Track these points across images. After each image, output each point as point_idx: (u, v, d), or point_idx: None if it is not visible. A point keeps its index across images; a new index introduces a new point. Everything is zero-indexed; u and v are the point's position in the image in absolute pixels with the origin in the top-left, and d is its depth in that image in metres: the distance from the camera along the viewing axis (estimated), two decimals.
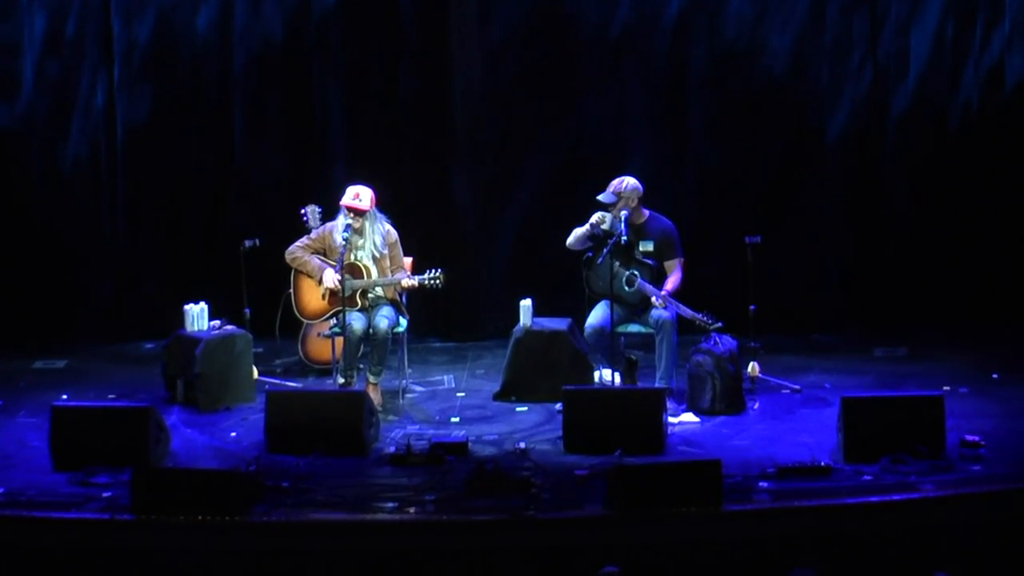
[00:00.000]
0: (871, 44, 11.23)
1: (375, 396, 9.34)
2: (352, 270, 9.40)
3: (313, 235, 9.68)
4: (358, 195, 9.45)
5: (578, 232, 9.36)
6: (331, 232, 9.56)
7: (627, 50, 11.33)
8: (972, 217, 11.22)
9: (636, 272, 9.30)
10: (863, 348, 10.73)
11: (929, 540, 7.27)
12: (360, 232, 9.44)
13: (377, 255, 9.50)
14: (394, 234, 9.62)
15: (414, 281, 9.35)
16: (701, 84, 11.36)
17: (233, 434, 8.94)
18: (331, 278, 9.40)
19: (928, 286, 11.29)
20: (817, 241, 11.42)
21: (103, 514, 7.39)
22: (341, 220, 9.49)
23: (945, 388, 9.23)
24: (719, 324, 9.05)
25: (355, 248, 9.45)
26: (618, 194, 9.32)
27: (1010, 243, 11.16)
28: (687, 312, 9.09)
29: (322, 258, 9.54)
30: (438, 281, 9.34)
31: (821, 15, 11.23)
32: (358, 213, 9.40)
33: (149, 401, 8.83)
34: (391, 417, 9.22)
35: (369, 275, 9.47)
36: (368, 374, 9.44)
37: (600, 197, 9.36)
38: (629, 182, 9.35)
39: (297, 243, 9.65)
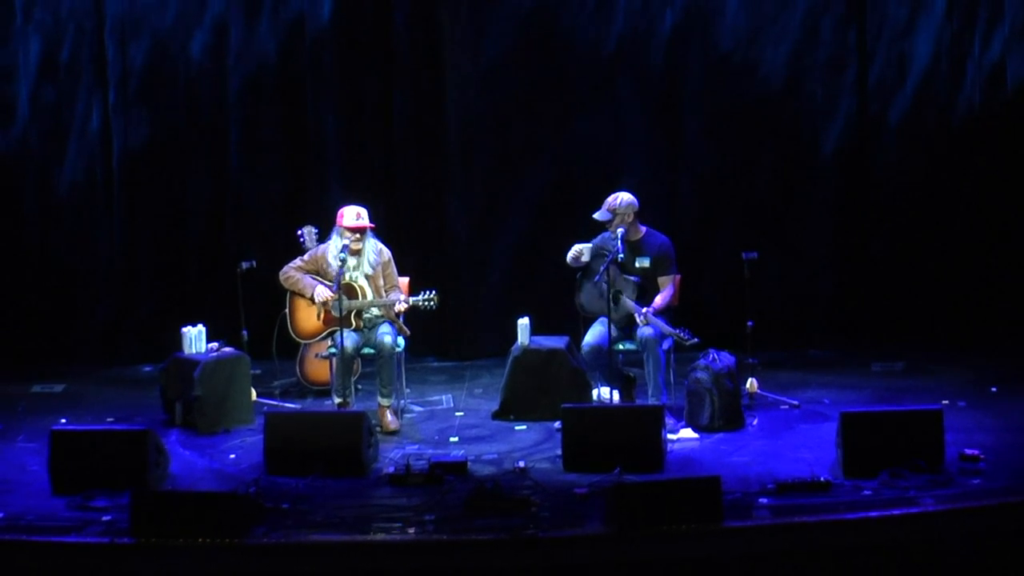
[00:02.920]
0: (866, 56, 11.23)
1: (391, 420, 9.31)
2: (347, 290, 9.39)
3: (306, 257, 9.67)
4: (359, 215, 9.46)
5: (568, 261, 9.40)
6: (324, 254, 9.56)
7: (622, 66, 11.34)
8: (969, 230, 11.20)
9: (620, 290, 9.28)
10: (861, 363, 10.71)
11: (929, 554, 7.26)
12: (357, 252, 9.44)
13: (370, 272, 9.50)
14: (387, 252, 9.62)
15: (407, 304, 9.34)
16: (696, 99, 11.36)
17: (232, 456, 8.93)
18: (323, 293, 9.41)
19: (926, 300, 11.28)
20: (813, 255, 11.41)
21: (103, 538, 7.35)
22: (335, 241, 9.50)
23: (944, 402, 9.24)
24: (695, 340, 9.00)
25: (350, 268, 9.45)
26: (613, 211, 9.31)
27: (1008, 256, 11.15)
28: (667, 328, 9.08)
29: (314, 276, 9.54)
30: (432, 302, 9.32)
31: (815, 29, 11.23)
32: (362, 232, 9.41)
33: (147, 424, 8.80)
34: (390, 437, 9.20)
35: (364, 295, 9.47)
36: (379, 397, 9.40)
37: (596, 216, 9.37)
38: (623, 198, 9.35)
39: (290, 264, 9.65)
